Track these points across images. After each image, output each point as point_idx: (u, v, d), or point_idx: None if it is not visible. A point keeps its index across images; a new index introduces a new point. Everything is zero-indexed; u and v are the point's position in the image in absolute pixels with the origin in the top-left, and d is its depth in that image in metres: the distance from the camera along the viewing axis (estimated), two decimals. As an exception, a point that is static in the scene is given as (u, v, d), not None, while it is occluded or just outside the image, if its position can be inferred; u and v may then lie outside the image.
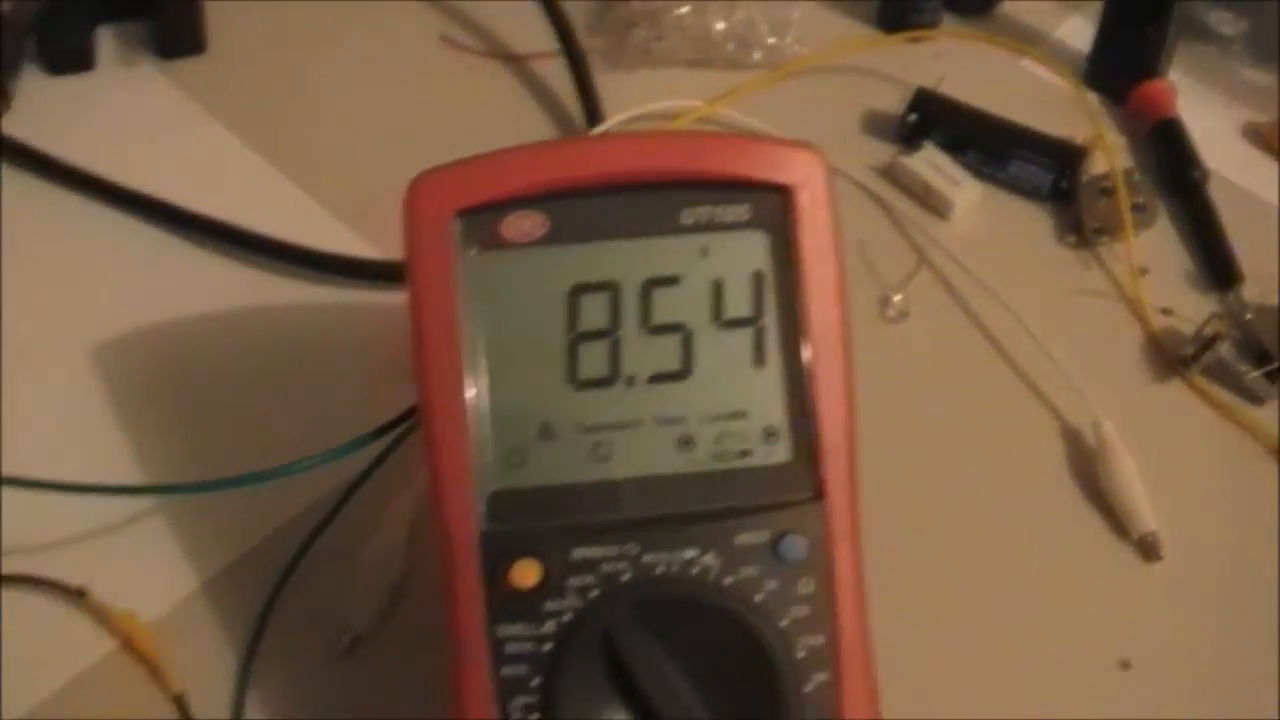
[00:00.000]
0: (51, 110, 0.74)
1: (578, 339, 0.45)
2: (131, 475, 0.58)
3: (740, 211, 0.46)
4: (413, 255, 0.45)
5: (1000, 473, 0.60)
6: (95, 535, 0.56)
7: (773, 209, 0.46)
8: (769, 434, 0.45)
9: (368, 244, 0.67)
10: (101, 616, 0.54)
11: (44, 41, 0.76)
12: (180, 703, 0.52)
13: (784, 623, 0.44)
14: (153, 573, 0.55)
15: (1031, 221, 0.70)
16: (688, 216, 0.46)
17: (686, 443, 0.45)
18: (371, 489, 0.56)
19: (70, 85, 0.76)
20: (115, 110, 0.74)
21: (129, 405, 0.61)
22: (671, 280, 0.46)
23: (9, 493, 0.54)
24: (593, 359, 0.45)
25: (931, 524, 0.58)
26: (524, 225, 0.45)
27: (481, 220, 0.45)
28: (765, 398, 0.46)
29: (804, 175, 0.46)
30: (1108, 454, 0.59)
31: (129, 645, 0.53)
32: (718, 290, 0.46)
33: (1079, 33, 0.78)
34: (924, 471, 0.60)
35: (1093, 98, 0.74)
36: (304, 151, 0.72)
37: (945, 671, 0.54)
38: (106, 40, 0.78)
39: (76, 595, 0.54)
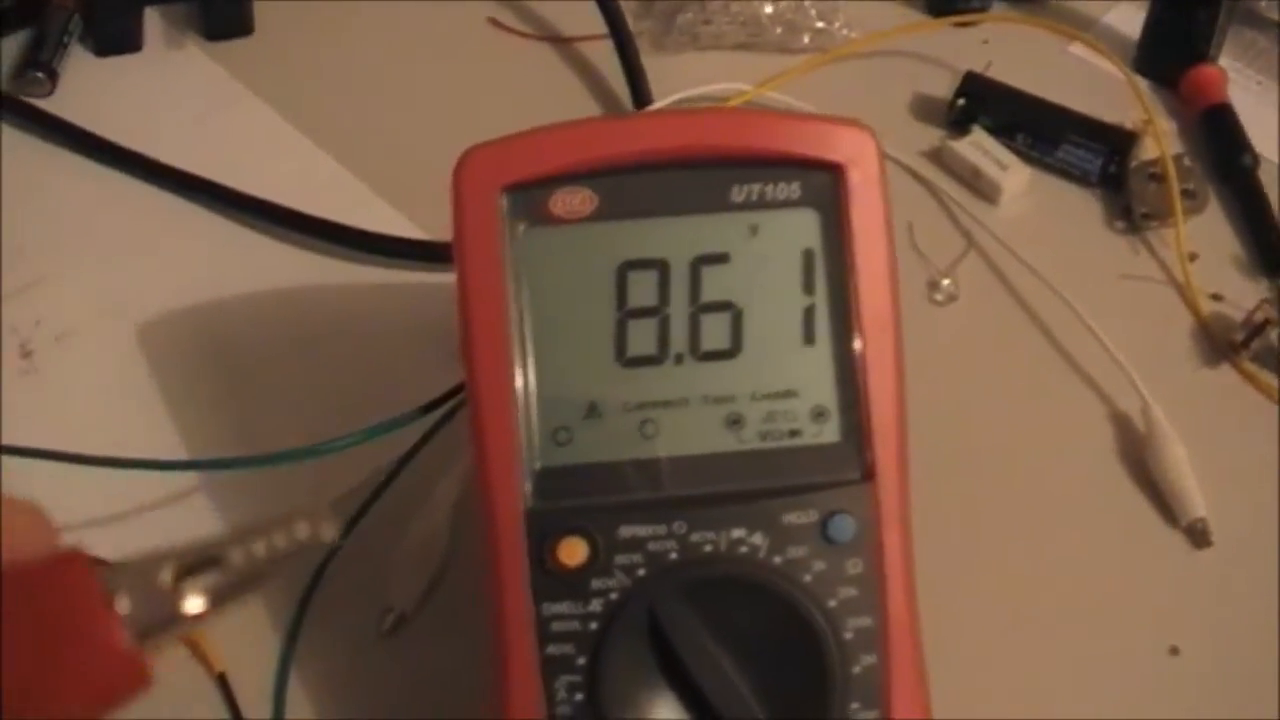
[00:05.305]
0: (98, 91, 0.74)
1: (626, 316, 0.45)
2: (177, 453, 0.58)
3: (790, 189, 0.45)
4: (460, 231, 0.45)
5: (1049, 458, 0.60)
6: (138, 511, 0.56)
7: (823, 187, 0.45)
8: (818, 414, 0.45)
9: (414, 225, 0.67)
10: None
11: (92, 23, 0.76)
12: (223, 682, 0.52)
13: (832, 603, 0.44)
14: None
15: (1080, 206, 0.69)
16: (737, 194, 0.45)
17: (735, 421, 0.45)
18: (417, 469, 0.56)
19: (117, 66, 0.76)
20: (162, 91, 0.74)
21: (175, 383, 0.61)
22: (721, 258, 0.45)
23: (52, 467, 0.53)
24: (641, 337, 0.45)
25: (980, 509, 0.57)
26: (572, 201, 0.45)
27: (530, 196, 0.45)
28: (815, 377, 0.45)
29: (855, 153, 0.45)
30: (1157, 440, 0.58)
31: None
32: (768, 268, 0.45)
33: (1129, 18, 0.77)
34: (972, 456, 0.59)
35: (1142, 83, 0.73)
36: (350, 132, 0.72)
37: (993, 656, 0.53)
38: (154, 22, 0.78)
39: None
